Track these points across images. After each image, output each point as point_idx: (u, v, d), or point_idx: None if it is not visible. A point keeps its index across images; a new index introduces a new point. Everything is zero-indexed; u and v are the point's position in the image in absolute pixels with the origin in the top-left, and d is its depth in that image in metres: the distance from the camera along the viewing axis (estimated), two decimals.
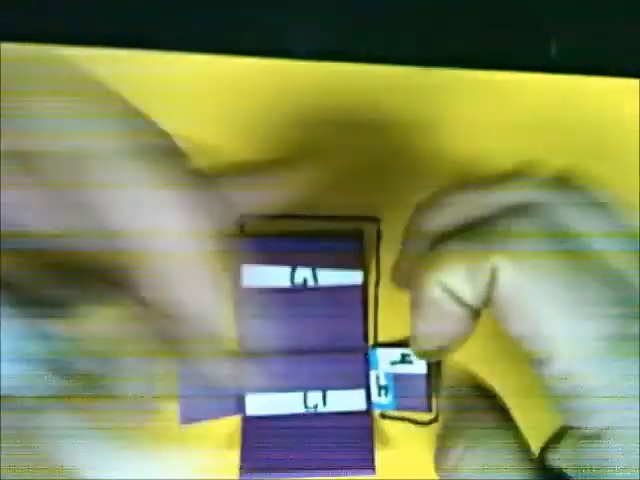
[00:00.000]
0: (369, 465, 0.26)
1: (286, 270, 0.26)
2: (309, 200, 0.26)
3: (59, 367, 0.18)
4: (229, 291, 0.23)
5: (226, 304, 0.20)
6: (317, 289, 0.26)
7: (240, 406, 0.26)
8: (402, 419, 0.26)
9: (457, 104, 0.27)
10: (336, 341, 0.25)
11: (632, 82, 0.27)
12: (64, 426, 0.19)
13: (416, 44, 0.28)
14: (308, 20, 0.28)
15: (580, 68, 0.27)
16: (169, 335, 0.20)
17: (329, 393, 0.26)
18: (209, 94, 0.27)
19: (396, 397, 0.26)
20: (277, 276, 0.26)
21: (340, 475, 0.26)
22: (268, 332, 0.25)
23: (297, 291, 0.26)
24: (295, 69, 0.27)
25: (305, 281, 0.26)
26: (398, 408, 0.26)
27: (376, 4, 0.28)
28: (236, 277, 0.26)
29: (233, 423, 0.26)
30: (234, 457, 0.26)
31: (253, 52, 0.27)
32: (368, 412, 0.26)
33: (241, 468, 0.26)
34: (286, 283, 0.26)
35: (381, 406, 0.26)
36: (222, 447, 0.26)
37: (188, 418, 0.25)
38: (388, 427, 0.26)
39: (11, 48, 0.26)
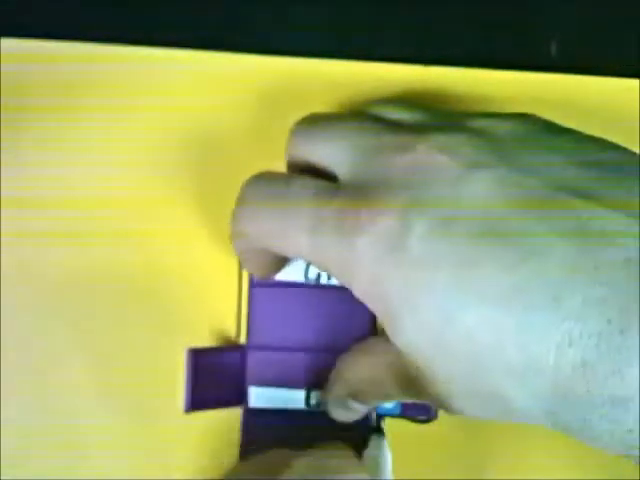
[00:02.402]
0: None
1: (301, 265, 0.26)
2: None
3: None
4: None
5: None
6: (330, 287, 0.26)
7: (243, 398, 0.26)
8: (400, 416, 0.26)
9: (457, 103, 0.27)
10: (343, 341, 0.25)
11: (632, 82, 0.27)
12: None
13: (416, 43, 0.28)
14: (308, 19, 0.28)
15: (580, 68, 0.27)
16: None
17: None
18: (209, 92, 0.27)
19: (400, 402, 0.26)
20: (291, 271, 0.26)
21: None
22: (278, 327, 0.25)
23: (309, 287, 0.26)
24: (295, 68, 0.27)
25: (319, 277, 0.26)
26: (402, 413, 0.26)
27: (376, 3, 0.28)
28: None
29: (234, 415, 0.26)
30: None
31: (253, 50, 0.27)
32: (368, 415, 0.26)
33: (242, 458, 0.26)
34: (300, 278, 0.26)
35: (384, 410, 0.26)
36: (223, 439, 0.26)
37: (192, 406, 0.25)
38: (388, 426, 0.26)
39: (11, 43, 0.26)
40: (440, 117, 0.22)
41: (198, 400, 0.25)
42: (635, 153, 0.21)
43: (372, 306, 0.20)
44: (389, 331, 0.20)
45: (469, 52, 0.28)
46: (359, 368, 0.24)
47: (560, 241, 0.17)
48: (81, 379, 0.26)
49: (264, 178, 0.23)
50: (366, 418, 0.26)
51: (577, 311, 0.17)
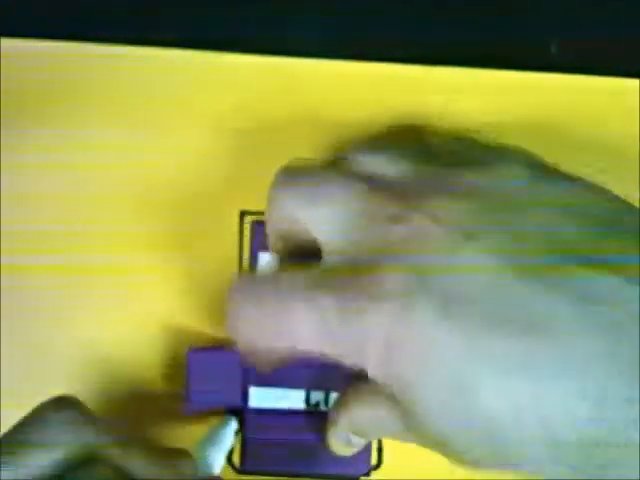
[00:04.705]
0: (365, 464, 0.26)
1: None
2: None
3: None
4: None
5: None
6: None
7: (243, 398, 0.26)
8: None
9: (457, 103, 0.27)
10: None
11: (632, 82, 0.27)
12: None
13: (416, 43, 0.28)
14: (308, 19, 0.28)
15: (580, 67, 0.27)
16: None
17: (332, 394, 0.26)
18: (209, 92, 0.27)
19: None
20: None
21: (337, 469, 0.26)
22: None
23: None
24: (296, 67, 0.27)
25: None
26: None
27: (376, 3, 0.28)
28: (252, 266, 0.26)
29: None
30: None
31: (253, 50, 0.27)
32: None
33: (242, 459, 0.26)
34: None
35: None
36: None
37: (192, 407, 0.25)
38: None
39: (11, 43, 0.26)
40: (428, 171, 0.22)
41: (198, 400, 0.25)
42: (626, 201, 0.20)
43: (387, 384, 0.20)
44: (404, 407, 0.19)
45: (469, 52, 0.28)
46: (362, 406, 0.23)
47: (565, 308, 0.17)
48: (80, 380, 0.26)
49: (250, 282, 0.22)
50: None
51: (592, 378, 0.17)
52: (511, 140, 0.27)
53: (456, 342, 0.18)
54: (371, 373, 0.20)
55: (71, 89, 0.27)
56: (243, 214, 0.27)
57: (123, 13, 0.27)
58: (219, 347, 0.26)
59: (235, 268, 0.26)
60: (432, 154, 0.24)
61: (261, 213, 0.27)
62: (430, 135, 0.26)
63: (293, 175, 0.22)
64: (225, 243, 0.27)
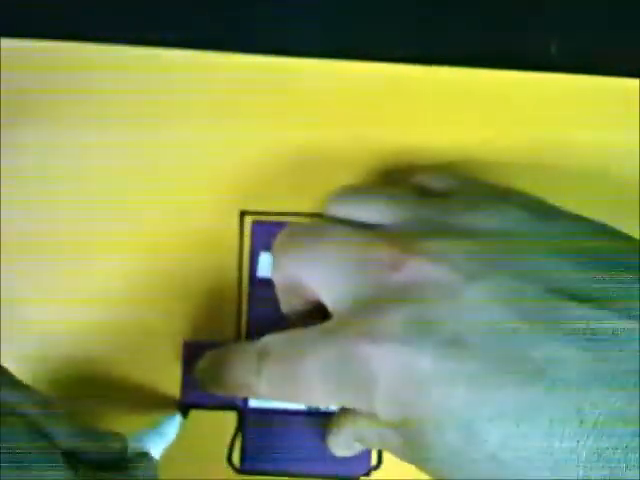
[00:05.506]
0: (365, 464, 0.26)
1: None
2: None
3: None
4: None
5: None
6: None
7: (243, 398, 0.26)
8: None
9: (457, 103, 0.27)
10: None
11: (632, 82, 0.27)
12: None
13: (416, 43, 0.28)
14: (308, 19, 0.28)
15: (580, 67, 0.27)
16: None
17: None
18: (209, 92, 0.27)
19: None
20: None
21: (337, 469, 0.26)
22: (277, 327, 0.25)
23: None
24: (296, 67, 0.27)
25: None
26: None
27: (376, 3, 0.28)
28: (251, 267, 0.26)
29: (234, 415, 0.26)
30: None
31: (253, 50, 0.27)
32: None
33: (242, 459, 0.26)
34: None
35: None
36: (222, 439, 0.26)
37: (191, 401, 0.25)
38: None
39: (11, 43, 0.26)
40: (424, 213, 0.22)
41: (195, 396, 0.25)
42: (628, 237, 0.20)
43: (396, 425, 0.20)
44: (410, 440, 0.19)
45: (469, 52, 0.28)
46: (367, 419, 0.22)
47: (573, 351, 0.17)
48: (80, 378, 0.26)
49: (266, 345, 0.22)
50: None
51: (601, 425, 0.16)
52: (511, 140, 0.27)
53: (463, 385, 0.18)
54: (381, 417, 0.20)
55: (71, 89, 0.27)
56: (243, 214, 0.27)
57: (123, 13, 0.27)
58: (216, 341, 0.26)
59: (235, 268, 0.27)
60: (426, 194, 0.24)
61: (261, 213, 0.27)
62: (422, 173, 0.25)
63: (292, 236, 0.23)
64: (225, 243, 0.27)
